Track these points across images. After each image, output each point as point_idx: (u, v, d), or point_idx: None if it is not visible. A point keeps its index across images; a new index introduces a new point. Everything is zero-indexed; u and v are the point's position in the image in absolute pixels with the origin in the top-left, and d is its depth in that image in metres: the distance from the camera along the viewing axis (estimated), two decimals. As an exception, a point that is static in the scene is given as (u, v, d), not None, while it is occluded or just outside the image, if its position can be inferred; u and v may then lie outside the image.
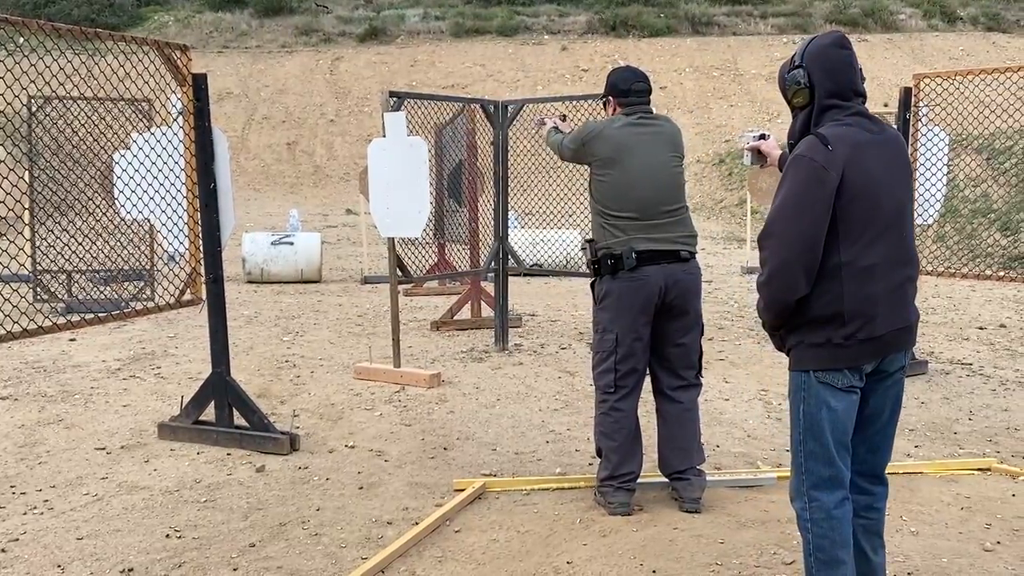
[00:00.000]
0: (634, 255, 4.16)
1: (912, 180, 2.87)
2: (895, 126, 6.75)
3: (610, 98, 4.46)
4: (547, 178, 8.41)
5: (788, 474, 4.61)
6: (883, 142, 2.88)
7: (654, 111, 4.47)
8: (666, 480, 4.41)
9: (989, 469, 4.78)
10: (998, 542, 3.84)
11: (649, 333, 4.27)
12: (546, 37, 33.07)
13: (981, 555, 3.70)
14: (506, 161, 7.76)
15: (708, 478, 4.44)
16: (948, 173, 6.99)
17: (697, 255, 4.37)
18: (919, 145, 6.83)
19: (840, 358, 2.83)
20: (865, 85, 2.96)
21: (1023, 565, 3.61)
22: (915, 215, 2.74)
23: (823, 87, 2.88)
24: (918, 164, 6.74)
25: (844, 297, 2.80)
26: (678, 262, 4.24)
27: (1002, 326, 8.89)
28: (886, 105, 20.28)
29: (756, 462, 4.93)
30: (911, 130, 6.82)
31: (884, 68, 29.10)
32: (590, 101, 7.61)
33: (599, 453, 4.39)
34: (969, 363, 7.26)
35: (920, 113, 6.89)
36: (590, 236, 4.41)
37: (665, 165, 4.30)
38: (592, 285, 4.38)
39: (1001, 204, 13.69)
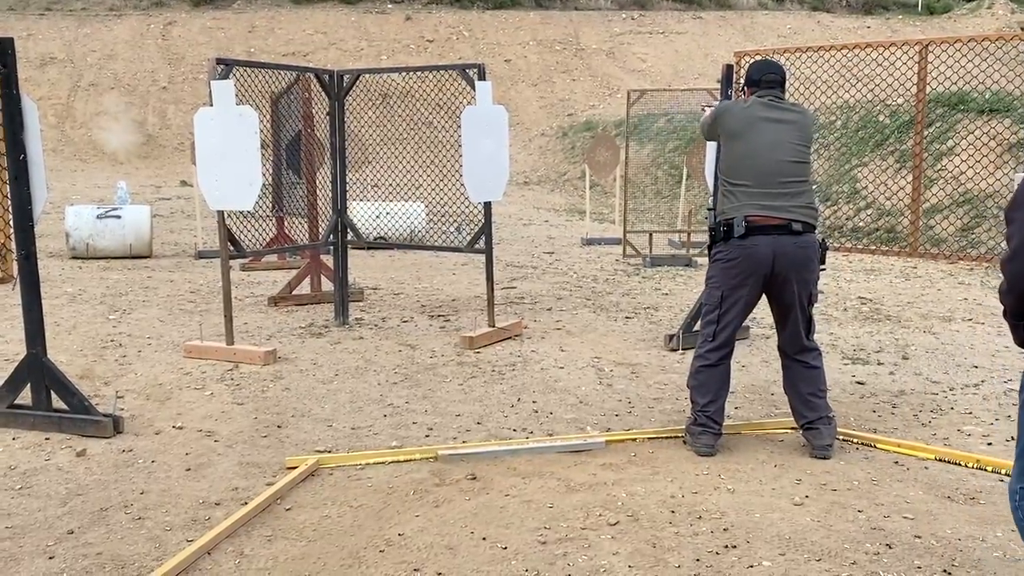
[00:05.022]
0: (744, 223, 4.40)
1: None
2: (718, 100, 7.01)
3: (745, 87, 4.79)
4: (392, 150, 8.33)
5: (617, 438, 4.83)
6: None
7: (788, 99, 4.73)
8: (511, 446, 4.60)
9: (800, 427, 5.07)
10: (807, 496, 4.08)
11: (754, 297, 4.57)
12: (389, 6, 32.66)
13: (791, 509, 3.94)
14: (343, 132, 7.63)
15: (539, 444, 4.61)
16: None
17: (816, 230, 4.55)
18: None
19: None
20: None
21: (827, 516, 3.86)
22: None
23: None
24: None
25: None
26: (790, 235, 4.42)
27: (820, 292, 9.41)
28: (718, 82, 21.04)
29: (586, 427, 5.07)
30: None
31: (718, 45, 30.17)
32: (435, 72, 7.55)
33: (691, 400, 4.73)
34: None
35: (741, 89, 7.16)
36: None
37: (786, 143, 4.51)
38: (709, 248, 4.68)
39: (822, 176, 14.48)
